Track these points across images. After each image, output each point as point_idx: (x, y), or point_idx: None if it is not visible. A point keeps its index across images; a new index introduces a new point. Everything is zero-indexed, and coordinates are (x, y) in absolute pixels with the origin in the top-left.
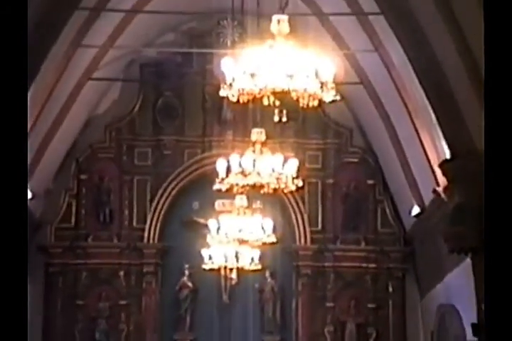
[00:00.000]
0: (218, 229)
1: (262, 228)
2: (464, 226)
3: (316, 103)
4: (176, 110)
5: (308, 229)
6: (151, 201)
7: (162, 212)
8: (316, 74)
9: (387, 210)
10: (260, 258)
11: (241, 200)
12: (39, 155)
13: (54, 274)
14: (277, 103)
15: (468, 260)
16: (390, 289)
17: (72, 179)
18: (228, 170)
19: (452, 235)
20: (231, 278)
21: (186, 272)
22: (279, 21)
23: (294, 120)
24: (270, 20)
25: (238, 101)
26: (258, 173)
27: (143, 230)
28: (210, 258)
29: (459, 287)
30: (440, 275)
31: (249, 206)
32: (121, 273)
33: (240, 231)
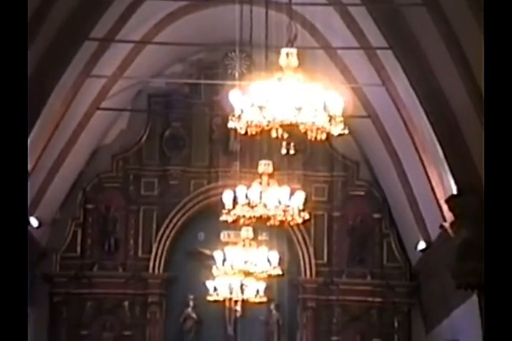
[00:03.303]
0: (224, 260)
1: (268, 260)
2: (471, 263)
3: (324, 136)
4: (183, 140)
5: (313, 262)
6: (157, 231)
7: (167, 242)
8: (324, 108)
9: (393, 244)
10: (265, 291)
11: (247, 232)
12: (46, 184)
13: (59, 303)
14: (285, 135)
15: (475, 296)
16: (396, 324)
17: (79, 208)
18: (235, 201)
19: (460, 271)
20: (236, 310)
21: (191, 303)
22: (287, 54)
23: (301, 152)
24: (278, 52)
25: (246, 133)
26: (265, 205)
27: (148, 260)
28: (215, 289)
29: (465, 323)
30: (446, 311)
31: (255, 238)
32: (126, 303)
33: (245, 263)
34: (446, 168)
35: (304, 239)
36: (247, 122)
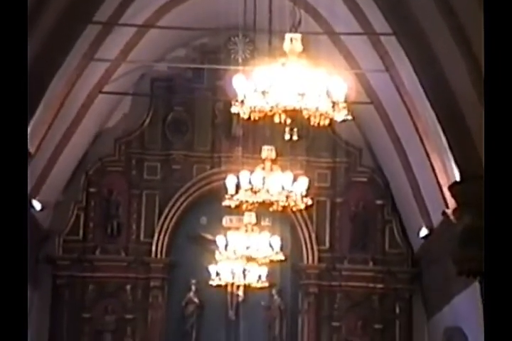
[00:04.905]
0: (226, 245)
1: (270, 245)
2: (473, 249)
3: (327, 122)
4: (185, 125)
5: (316, 248)
6: (159, 215)
7: (170, 227)
8: (328, 94)
9: (396, 231)
10: (267, 276)
11: (250, 217)
12: (49, 168)
13: (61, 286)
14: (288, 121)
15: (476, 283)
16: (397, 310)
17: (82, 192)
18: (238, 186)
19: (462, 258)
20: (238, 295)
21: (193, 287)
22: (291, 40)
23: (304, 138)
24: (282, 37)
25: (249, 118)
26: (267, 191)
27: (150, 244)
28: (218, 274)
29: (466, 310)
30: (447, 298)
31: (257, 223)
32: (128, 286)
33: (247, 248)
34: (449, 154)
35: (306, 224)
36: (250, 107)
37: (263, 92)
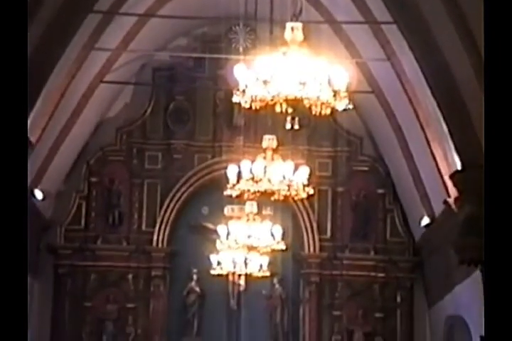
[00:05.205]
0: (228, 234)
1: (272, 235)
2: (475, 238)
3: (328, 111)
4: (187, 114)
5: (317, 237)
6: (161, 205)
7: (171, 216)
8: (329, 83)
9: (397, 220)
10: (269, 265)
11: (251, 207)
12: (50, 157)
13: (63, 275)
14: (290, 110)
15: (478, 272)
16: (398, 299)
17: (83, 181)
18: (239, 176)
19: (463, 246)
20: (239, 284)
21: (194, 277)
22: (292, 29)
23: (305, 127)
24: (283, 26)
25: (250, 107)
26: (269, 180)
27: (152, 233)
28: (219, 263)
29: (467, 299)
30: (449, 287)
31: (258, 212)
32: (130, 276)
33: (249, 237)
34: (451, 143)
35: (307, 214)
36: (252, 96)
37: (264, 81)
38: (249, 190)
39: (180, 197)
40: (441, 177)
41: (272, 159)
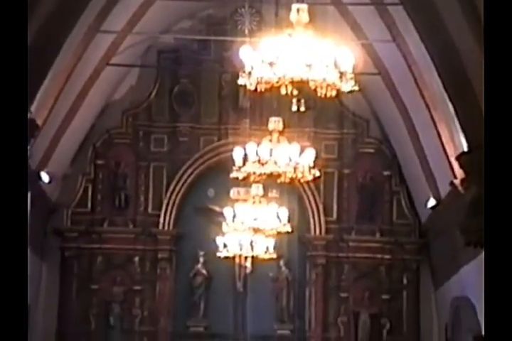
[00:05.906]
0: (234, 217)
1: (278, 217)
2: (481, 220)
3: (334, 93)
4: (192, 97)
5: (323, 219)
6: (167, 187)
7: (177, 199)
8: (335, 64)
9: (403, 202)
10: (275, 248)
11: (257, 189)
12: (56, 140)
13: (70, 258)
14: (295, 92)
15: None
16: (405, 280)
17: (89, 164)
18: (245, 158)
19: (469, 228)
20: (245, 267)
21: (201, 259)
22: (298, 10)
23: (311, 109)
24: (288, 8)
25: (256, 89)
26: (275, 162)
27: (158, 216)
28: (225, 246)
29: (473, 280)
30: (455, 268)
31: (265, 195)
32: (136, 258)
33: (255, 219)
34: (457, 124)
35: (313, 196)
36: (257, 79)
37: (270, 63)
38: (255, 173)
39: (186, 180)
40: (448, 158)
41: (278, 141)
